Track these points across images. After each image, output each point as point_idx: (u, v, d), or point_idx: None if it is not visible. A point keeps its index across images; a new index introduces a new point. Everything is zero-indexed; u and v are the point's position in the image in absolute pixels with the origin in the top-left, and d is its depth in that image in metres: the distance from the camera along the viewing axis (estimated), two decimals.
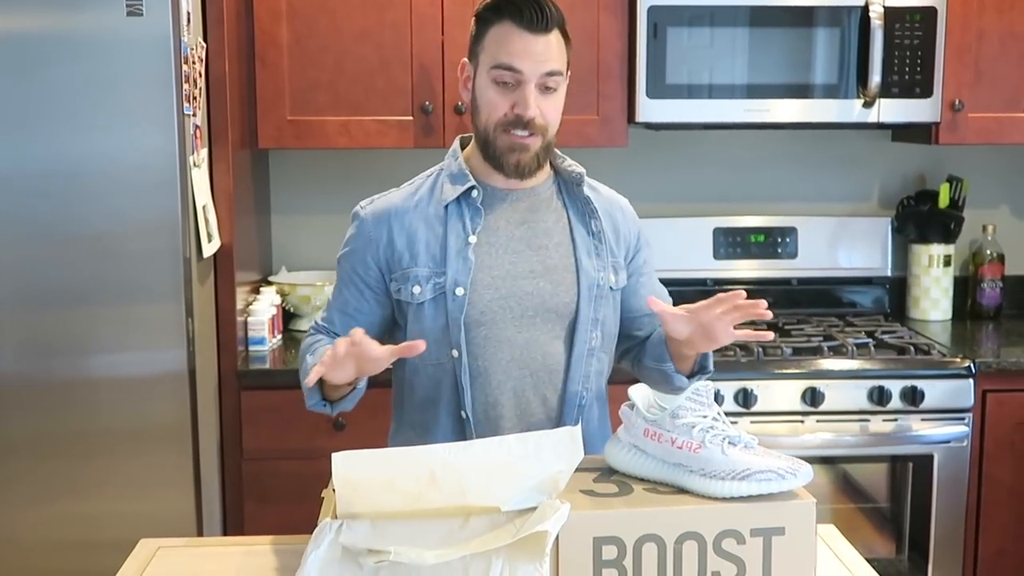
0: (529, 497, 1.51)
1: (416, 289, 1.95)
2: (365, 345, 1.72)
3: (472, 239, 1.94)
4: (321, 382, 1.85)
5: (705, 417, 1.60)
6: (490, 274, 1.93)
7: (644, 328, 2.06)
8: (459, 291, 1.91)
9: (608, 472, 1.67)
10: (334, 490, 1.63)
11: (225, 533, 2.87)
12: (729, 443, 1.57)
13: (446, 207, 1.96)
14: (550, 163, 2.03)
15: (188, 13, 2.60)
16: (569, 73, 1.97)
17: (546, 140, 1.92)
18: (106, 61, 2.50)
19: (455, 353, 1.93)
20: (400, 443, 1.98)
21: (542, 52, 1.86)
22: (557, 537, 1.48)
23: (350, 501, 1.50)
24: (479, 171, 1.98)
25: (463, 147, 2.04)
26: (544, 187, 2.01)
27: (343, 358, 1.73)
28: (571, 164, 2.02)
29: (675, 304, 1.91)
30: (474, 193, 1.96)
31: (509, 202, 1.98)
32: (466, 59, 1.97)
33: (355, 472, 1.50)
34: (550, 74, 1.87)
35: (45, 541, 2.63)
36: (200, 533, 2.68)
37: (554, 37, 1.88)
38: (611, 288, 2.00)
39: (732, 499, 1.53)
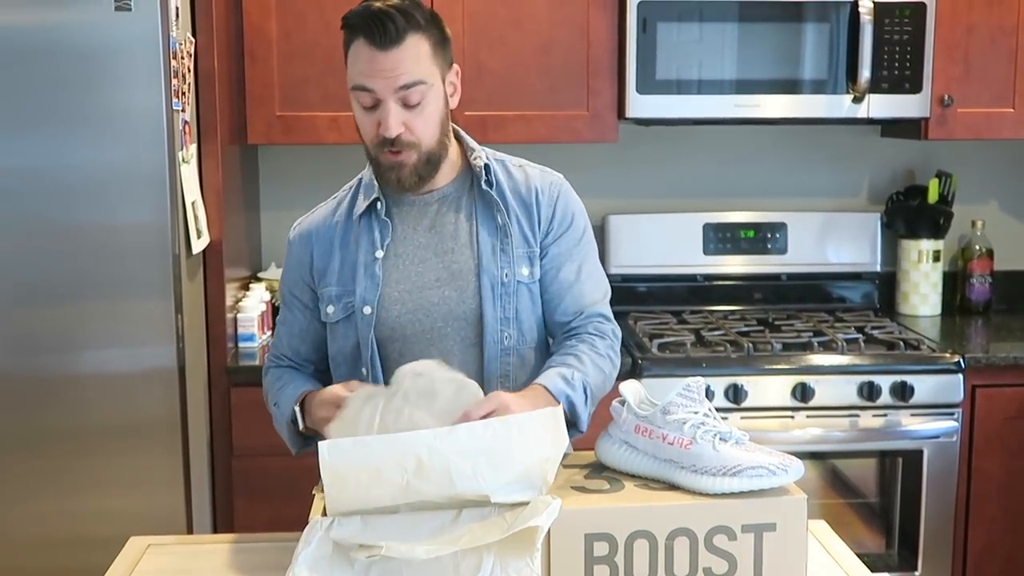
0: (518, 486, 1.51)
1: (330, 309, 1.94)
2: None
3: (379, 253, 1.92)
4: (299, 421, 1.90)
5: (696, 413, 1.60)
6: (397, 288, 1.91)
7: (562, 319, 1.98)
8: (366, 309, 1.90)
9: (599, 468, 1.67)
10: (323, 489, 1.63)
11: (215, 530, 2.86)
12: (720, 439, 1.57)
13: (359, 220, 1.94)
14: (463, 157, 1.98)
15: (177, 8, 2.59)
16: (456, 70, 1.90)
17: (423, 153, 1.85)
18: (94, 56, 2.49)
19: (363, 371, 1.92)
20: None
21: (392, 67, 1.78)
22: (548, 534, 1.48)
23: (338, 498, 1.50)
24: (380, 177, 1.93)
25: None
26: (453, 186, 1.96)
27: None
28: (476, 157, 1.96)
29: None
30: (378, 205, 1.93)
31: (418, 207, 1.94)
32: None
33: (342, 462, 1.51)
34: (406, 87, 1.79)
35: (34, 538, 2.62)
36: (190, 530, 2.68)
37: (408, 47, 1.78)
38: (520, 282, 1.93)
39: (723, 495, 1.54)
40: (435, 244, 1.93)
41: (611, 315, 2.02)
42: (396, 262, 1.93)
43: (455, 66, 1.91)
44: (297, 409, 1.90)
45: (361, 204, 1.95)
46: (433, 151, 1.87)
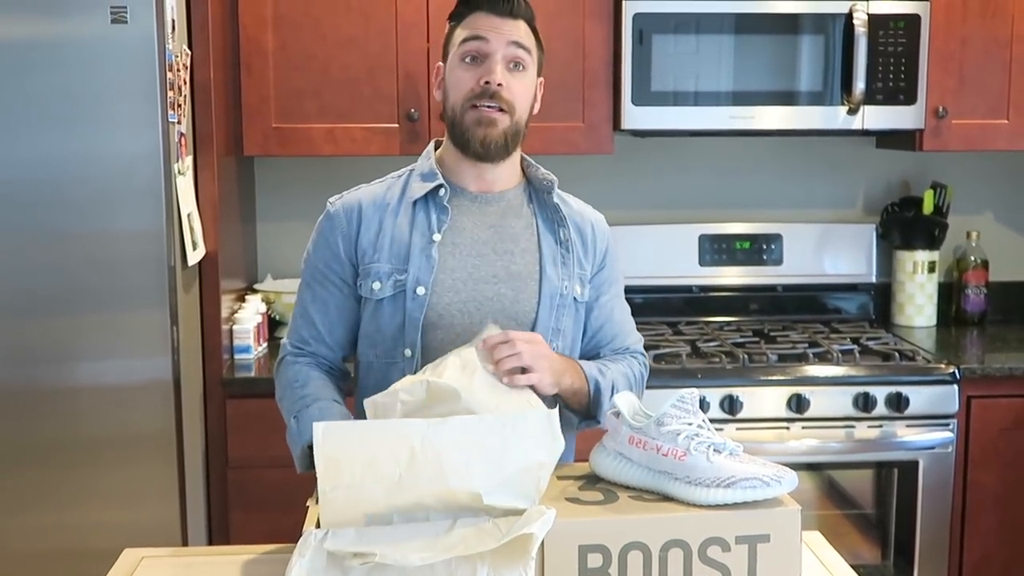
0: (510, 491, 1.51)
1: (376, 285, 1.92)
2: None
3: (436, 237, 1.92)
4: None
5: (690, 424, 1.60)
6: (452, 276, 1.92)
7: (597, 346, 2.05)
8: (420, 290, 1.89)
9: (593, 480, 1.67)
10: (317, 501, 1.63)
11: (210, 542, 2.86)
12: (714, 450, 1.57)
13: (414, 204, 1.95)
14: (522, 170, 2.02)
15: (173, 20, 2.59)
16: (541, 81, 1.98)
17: (514, 121, 1.90)
18: (91, 68, 2.50)
19: (408, 352, 1.90)
20: None
21: (509, 29, 1.88)
22: (542, 545, 1.48)
23: (332, 494, 1.50)
24: (451, 172, 1.97)
25: (437, 148, 2.04)
26: (514, 193, 2.00)
27: None
28: (544, 172, 2.01)
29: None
30: (441, 191, 1.94)
31: (478, 205, 1.97)
32: (440, 62, 1.98)
33: (337, 446, 1.51)
34: (518, 45, 1.89)
35: (28, 550, 2.62)
36: (185, 542, 2.67)
37: (523, 25, 1.91)
38: (575, 299, 1.98)
39: (717, 506, 1.53)
40: (495, 242, 1.95)
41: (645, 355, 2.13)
42: (453, 250, 1.93)
43: (542, 78, 1.99)
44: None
45: (418, 189, 1.95)
46: (520, 126, 1.93)
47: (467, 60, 1.90)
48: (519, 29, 1.90)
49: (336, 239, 1.97)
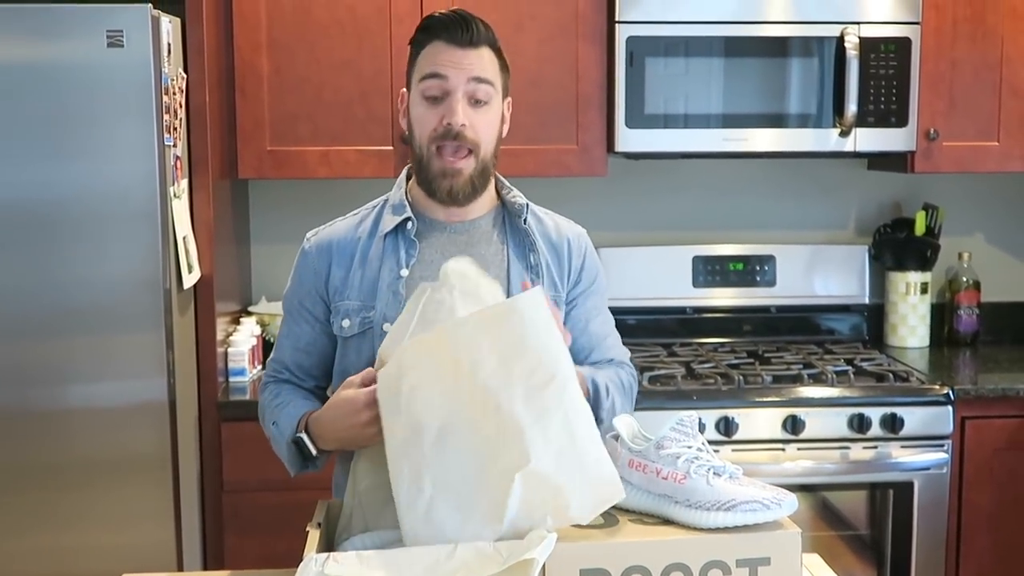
0: (542, 375, 1.52)
1: (345, 323, 1.92)
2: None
3: (404, 272, 1.91)
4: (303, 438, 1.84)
5: (690, 447, 1.60)
6: None
7: (580, 357, 2.00)
8: (386, 326, 1.87)
9: None
10: (318, 525, 1.63)
11: (205, 566, 2.85)
12: (714, 473, 1.57)
13: (384, 238, 1.94)
14: (497, 193, 2.01)
15: (169, 44, 2.60)
16: (509, 101, 1.95)
17: (480, 162, 1.88)
18: (87, 92, 2.50)
19: None
20: (339, 476, 1.97)
21: (469, 62, 1.84)
22: (543, 569, 1.47)
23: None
24: (420, 202, 1.96)
25: (409, 178, 2.01)
26: (486, 219, 1.98)
27: None
28: (516, 195, 1.99)
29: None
30: (408, 225, 1.93)
31: (448, 234, 1.95)
32: (404, 88, 1.96)
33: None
34: (478, 80, 1.85)
35: (23, 574, 2.60)
36: (180, 566, 2.66)
37: (485, 52, 1.87)
38: None
39: (718, 530, 1.53)
40: None
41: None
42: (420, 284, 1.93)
43: (509, 98, 1.96)
44: (304, 436, 1.84)
45: (389, 222, 1.94)
46: (488, 162, 1.90)
47: (428, 97, 1.87)
48: (481, 60, 1.86)
49: (309, 277, 1.97)
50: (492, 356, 1.54)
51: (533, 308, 1.57)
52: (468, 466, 1.52)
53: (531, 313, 1.56)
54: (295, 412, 1.89)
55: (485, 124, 1.88)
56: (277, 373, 2.02)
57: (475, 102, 1.86)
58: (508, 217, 1.99)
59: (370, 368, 1.76)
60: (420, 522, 1.52)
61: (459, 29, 1.84)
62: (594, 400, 1.88)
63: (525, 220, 1.97)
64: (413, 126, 1.91)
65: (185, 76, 2.75)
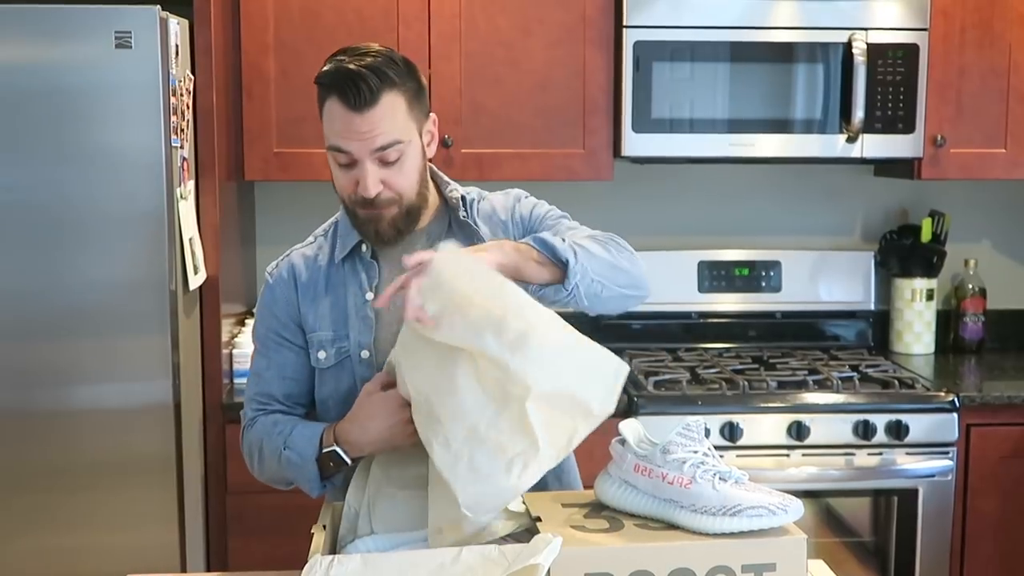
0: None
1: (321, 354, 1.90)
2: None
3: (369, 295, 1.89)
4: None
5: (696, 452, 1.60)
6: (390, 330, 1.86)
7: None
8: (364, 354, 1.86)
9: (598, 507, 1.67)
10: (323, 527, 1.63)
11: (209, 568, 2.84)
12: (720, 478, 1.57)
13: (343, 263, 1.91)
14: (438, 193, 1.96)
15: (176, 46, 2.60)
16: (433, 118, 1.88)
17: (403, 208, 1.83)
18: (95, 93, 2.51)
19: None
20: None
21: (368, 129, 1.75)
22: (548, 573, 1.47)
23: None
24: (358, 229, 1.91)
25: None
26: (434, 224, 1.94)
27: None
28: (452, 189, 1.95)
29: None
30: (363, 248, 1.91)
31: (402, 247, 1.88)
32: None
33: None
34: (383, 148, 1.77)
35: (27, 575, 2.60)
36: (184, 568, 2.66)
37: (384, 107, 1.75)
38: None
39: (723, 535, 1.53)
40: None
41: None
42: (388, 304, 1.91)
43: (432, 115, 1.89)
44: (338, 448, 1.79)
45: (341, 247, 1.92)
46: (413, 204, 1.85)
47: (339, 163, 1.81)
48: (380, 122, 1.75)
49: (282, 307, 1.94)
50: (455, 315, 1.55)
51: (453, 261, 1.60)
52: (484, 415, 1.54)
53: (452, 266, 1.59)
54: (310, 432, 1.84)
55: (400, 178, 1.81)
56: (264, 407, 1.95)
57: (384, 163, 1.79)
58: (452, 213, 1.95)
59: (381, 373, 1.78)
60: (470, 483, 1.53)
61: (349, 92, 1.74)
62: (551, 253, 1.73)
63: (465, 213, 1.93)
64: (334, 179, 1.86)
65: (192, 78, 2.75)
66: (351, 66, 1.75)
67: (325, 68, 1.80)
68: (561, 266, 1.73)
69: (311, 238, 2.00)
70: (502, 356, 1.51)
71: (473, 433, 1.53)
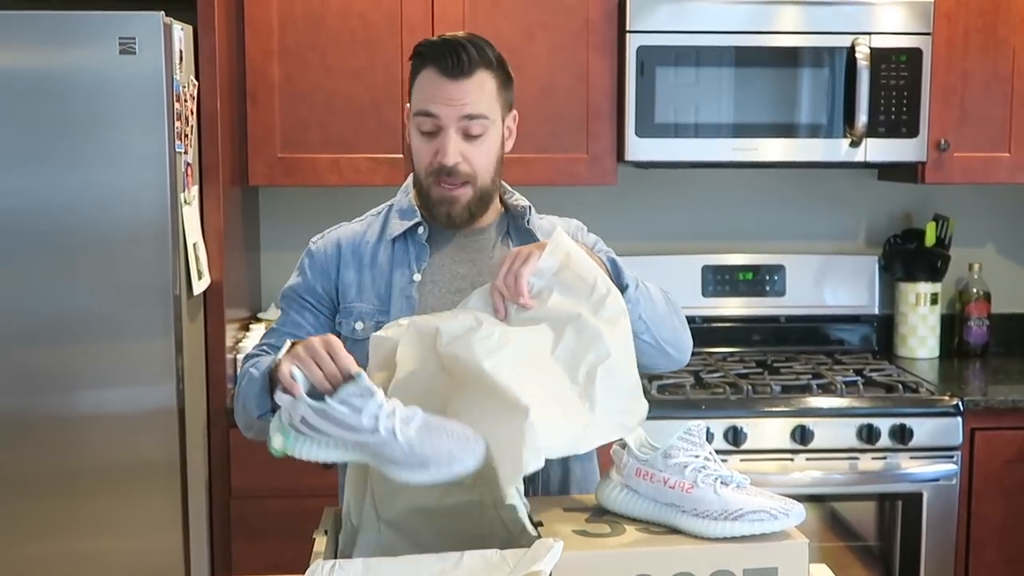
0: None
1: (359, 325, 1.92)
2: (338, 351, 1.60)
3: (416, 277, 1.91)
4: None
5: (697, 457, 1.60)
6: (433, 314, 1.87)
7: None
8: None
9: (600, 512, 1.67)
10: (325, 532, 1.63)
11: (213, 573, 2.85)
12: (721, 483, 1.57)
13: (393, 241, 1.95)
14: (500, 199, 2.00)
15: (181, 51, 2.61)
16: (514, 114, 1.93)
17: (478, 190, 1.88)
18: (99, 99, 2.52)
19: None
20: (344, 482, 1.94)
21: (460, 97, 1.82)
22: None
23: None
24: (428, 209, 1.95)
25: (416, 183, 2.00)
26: (492, 228, 1.98)
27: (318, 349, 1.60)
28: (517, 198, 2.00)
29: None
30: (420, 229, 1.94)
31: (457, 240, 1.95)
32: (408, 103, 1.95)
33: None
34: (470, 117, 1.83)
35: None
36: (188, 573, 2.66)
37: (477, 81, 1.83)
38: None
39: (725, 539, 1.53)
40: (473, 276, 1.93)
41: None
42: (432, 288, 1.92)
43: (514, 111, 1.94)
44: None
45: (397, 226, 1.94)
46: (487, 188, 1.90)
47: (423, 132, 1.86)
48: (470, 93, 1.82)
49: (317, 274, 1.97)
50: (570, 274, 1.71)
51: (570, 245, 1.73)
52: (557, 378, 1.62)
53: (570, 241, 1.75)
54: (279, 353, 1.71)
55: (480, 155, 1.86)
56: (268, 345, 1.93)
57: (468, 135, 1.85)
58: (512, 220, 1.99)
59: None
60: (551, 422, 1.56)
61: (449, 59, 1.81)
62: (616, 269, 1.83)
63: (528, 220, 1.97)
64: (412, 152, 1.92)
65: (197, 83, 2.76)
66: (453, 36, 1.85)
67: (425, 40, 1.88)
68: (620, 289, 1.77)
69: (357, 219, 2.03)
70: (599, 326, 1.64)
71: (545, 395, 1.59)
